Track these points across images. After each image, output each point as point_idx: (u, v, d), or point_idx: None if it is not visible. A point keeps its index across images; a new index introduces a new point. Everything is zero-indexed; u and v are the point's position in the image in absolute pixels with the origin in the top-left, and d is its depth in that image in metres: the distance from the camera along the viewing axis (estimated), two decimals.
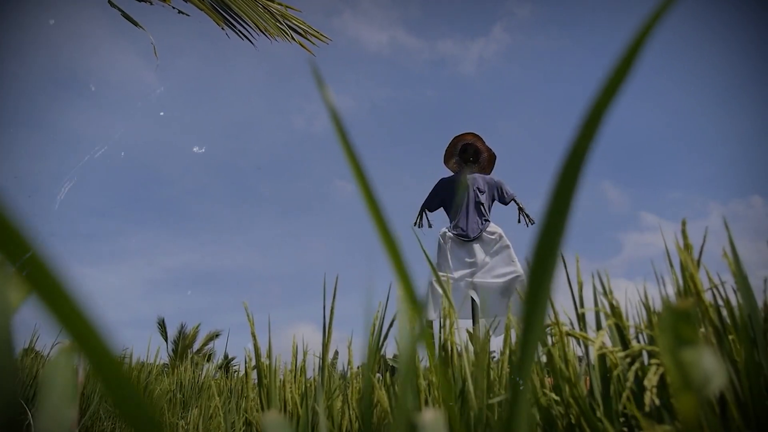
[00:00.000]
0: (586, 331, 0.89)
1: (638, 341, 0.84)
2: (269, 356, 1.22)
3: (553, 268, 0.20)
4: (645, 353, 0.80)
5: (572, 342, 0.86)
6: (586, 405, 0.69)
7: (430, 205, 3.79)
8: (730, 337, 0.76)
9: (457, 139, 3.73)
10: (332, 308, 1.24)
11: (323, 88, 0.23)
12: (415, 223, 3.80)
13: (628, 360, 0.74)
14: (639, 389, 0.73)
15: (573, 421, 0.75)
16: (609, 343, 0.86)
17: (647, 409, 0.62)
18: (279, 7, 2.63)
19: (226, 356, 8.06)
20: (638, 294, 0.91)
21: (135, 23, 2.07)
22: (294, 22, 2.68)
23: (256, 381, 1.26)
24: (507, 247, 3.38)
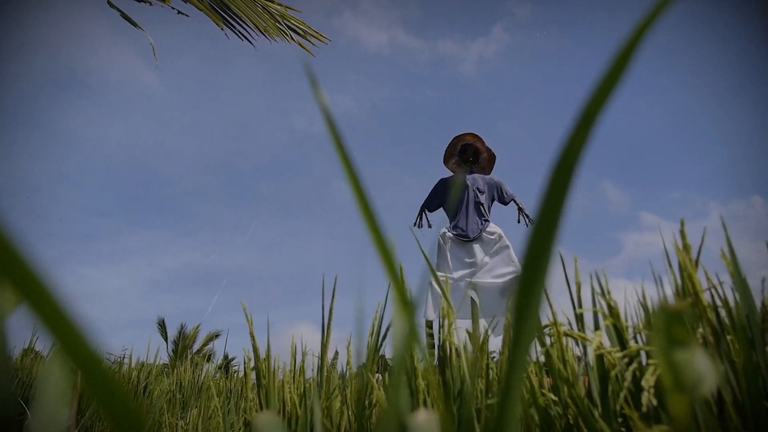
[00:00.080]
0: (584, 332, 0.89)
1: (636, 341, 0.84)
2: (268, 357, 1.22)
3: (545, 269, 0.20)
4: (643, 353, 0.80)
5: (571, 342, 0.86)
6: (584, 405, 0.69)
7: (429, 205, 3.79)
8: (729, 337, 0.76)
9: (456, 139, 3.73)
10: (331, 308, 1.24)
11: (317, 89, 0.23)
12: (415, 224, 3.81)
13: (626, 360, 0.74)
14: (637, 389, 0.73)
15: (571, 421, 0.75)
16: (608, 344, 0.86)
17: (645, 409, 0.62)
18: (278, 7, 2.63)
19: (225, 356, 8.06)
20: (636, 294, 0.91)
21: (134, 24, 2.07)
22: (293, 22, 2.68)
23: (255, 381, 1.27)
24: (507, 247, 3.39)
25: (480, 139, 3.73)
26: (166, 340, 12.02)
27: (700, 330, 0.77)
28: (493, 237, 3.45)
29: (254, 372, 1.30)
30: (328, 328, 1.27)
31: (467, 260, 3.39)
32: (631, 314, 0.94)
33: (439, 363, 1.06)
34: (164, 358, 11.61)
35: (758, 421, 0.67)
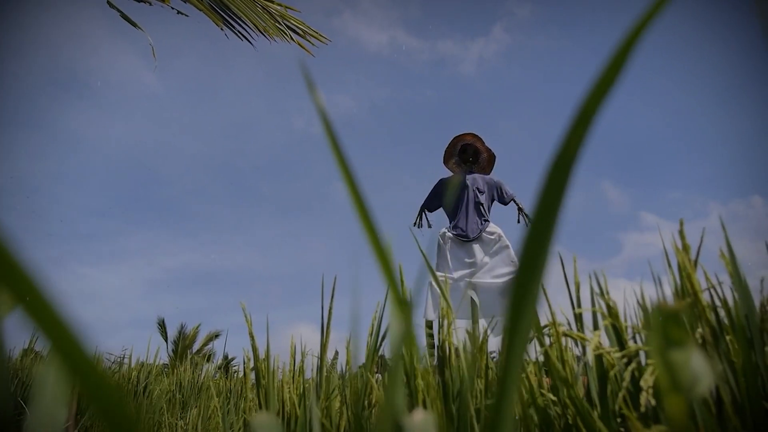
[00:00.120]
0: (583, 332, 0.89)
1: (635, 341, 0.84)
2: (267, 357, 1.22)
3: (541, 269, 0.20)
4: (642, 353, 0.80)
5: (570, 342, 0.87)
6: (582, 405, 0.69)
7: (429, 205, 3.79)
8: (728, 337, 0.76)
9: (456, 139, 3.74)
10: (330, 308, 1.24)
11: (313, 89, 0.23)
12: (415, 224, 3.81)
13: (625, 360, 0.74)
14: (635, 389, 0.73)
15: (570, 421, 0.75)
16: (607, 344, 0.86)
17: (643, 409, 0.62)
18: (278, 7, 2.63)
19: (225, 357, 8.06)
20: (634, 294, 0.91)
21: (134, 24, 2.07)
22: (293, 22, 2.68)
23: (255, 381, 1.27)
24: (506, 247, 3.39)
25: (480, 139, 3.73)
26: (166, 340, 12.02)
27: (699, 330, 0.77)
28: (492, 237, 3.45)
29: (254, 372, 1.30)
30: (328, 328, 1.27)
31: (467, 260, 3.39)
32: (630, 314, 0.94)
33: (438, 363, 1.06)
34: (164, 358, 11.62)
35: (757, 421, 0.67)
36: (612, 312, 0.79)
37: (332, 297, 1.26)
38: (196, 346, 12.33)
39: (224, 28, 2.43)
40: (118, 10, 2.04)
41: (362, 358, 1.15)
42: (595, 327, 0.87)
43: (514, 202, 3.71)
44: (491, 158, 3.79)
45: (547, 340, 0.84)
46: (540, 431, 0.82)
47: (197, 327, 12.28)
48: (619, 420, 0.78)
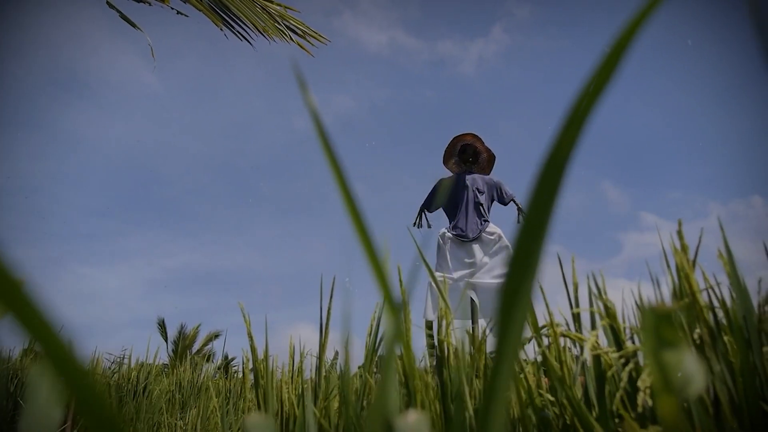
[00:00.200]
0: (581, 332, 0.89)
1: (633, 342, 0.84)
2: (266, 357, 1.22)
3: (532, 271, 0.20)
4: (640, 354, 0.80)
5: (570, 343, 0.87)
6: (579, 406, 0.69)
7: (429, 205, 3.79)
8: (726, 338, 0.76)
9: (456, 139, 3.74)
10: (329, 309, 1.24)
11: (305, 90, 0.23)
12: (415, 224, 3.81)
13: (623, 361, 0.74)
14: (633, 390, 0.73)
15: (568, 421, 0.75)
16: (605, 344, 0.86)
17: (640, 409, 0.62)
18: (278, 7, 2.63)
19: (225, 357, 8.06)
20: (632, 295, 0.91)
21: (133, 24, 2.07)
22: (292, 22, 2.68)
23: (254, 382, 1.27)
24: (506, 247, 3.39)
25: (479, 139, 3.73)
26: (166, 341, 12.03)
27: (697, 330, 0.77)
28: (492, 237, 3.45)
29: (252, 372, 1.30)
30: (327, 328, 1.27)
31: (467, 260, 3.40)
32: (628, 315, 0.94)
33: (436, 363, 1.06)
34: (164, 358, 11.62)
35: (754, 422, 0.67)
36: (609, 312, 0.80)
37: (331, 297, 1.26)
38: (196, 347, 12.34)
39: (224, 28, 2.43)
40: (118, 11, 2.04)
41: (361, 359, 1.15)
42: (594, 327, 0.87)
43: (514, 202, 3.71)
44: (491, 158, 3.79)
45: (545, 341, 0.84)
46: (538, 431, 0.82)
47: (197, 327, 12.29)
48: (617, 420, 0.78)
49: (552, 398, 0.79)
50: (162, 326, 11.94)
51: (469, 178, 3.65)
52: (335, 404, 1.24)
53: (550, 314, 0.85)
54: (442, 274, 3.30)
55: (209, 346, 12.43)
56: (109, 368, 3.15)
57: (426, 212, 3.82)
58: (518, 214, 3.71)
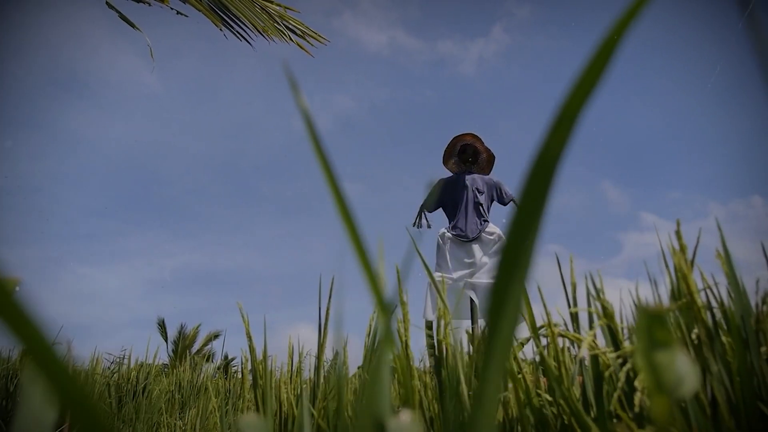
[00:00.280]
0: (579, 332, 0.89)
1: (631, 342, 0.84)
2: (265, 357, 1.22)
3: (523, 272, 0.20)
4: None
5: (569, 343, 0.86)
6: (575, 406, 0.69)
7: (428, 205, 3.79)
8: (724, 338, 0.76)
9: (456, 139, 3.74)
10: (328, 309, 1.24)
11: (297, 92, 0.23)
12: (414, 224, 3.81)
13: (620, 361, 0.74)
14: (631, 390, 0.73)
15: (566, 421, 0.75)
16: (604, 344, 0.86)
17: (637, 409, 0.62)
18: (277, 8, 2.63)
19: (225, 357, 8.06)
20: (630, 295, 0.91)
21: (132, 25, 2.07)
22: (292, 23, 2.68)
23: (252, 382, 1.27)
24: None
25: (479, 139, 3.73)
26: (166, 341, 12.03)
27: (695, 331, 0.77)
28: (492, 237, 3.45)
29: (251, 372, 1.30)
30: (326, 328, 1.27)
31: (466, 260, 3.40)
32: (626, 315, 0.94)
33: (435, 363, 1.06)
34: (164, 358, 11.62)
35: (752, 422, 0.67)
36: (607, 312, 0.80)
37: (330, 297, 1.26)
38: (196, 347, 12.34)
39: (223, 28, 2.43)
40: (117, 11, 2.04)
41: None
42: (592, 328, 0.87)
43: (514, 202, 3.71)
44: (491, 158, 3.79)
45: (543, 341, 0.84)
46: (536, 431, 0.82)
47: (197, 327, 12.29)
48: (615, 420, 0.78)
49: (550, 398, 0.79)
50: (162, 326, 11.94)
51: (468, 178, 3.65)
52: (335, 404, 1.24)
53: (548, 314, 0.85)
54: (441, 274, 3.30)
55: (209, 346, 12.43)
56: (109, 368, 3.15)
57: (426, 212, 3.82)
58: None
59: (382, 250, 0.39)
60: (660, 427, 0.22)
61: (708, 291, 0.83)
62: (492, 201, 3.70)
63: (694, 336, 0.77)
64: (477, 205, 3.55)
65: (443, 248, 3.48)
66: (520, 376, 0.81)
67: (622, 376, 0.68)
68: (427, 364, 1.15)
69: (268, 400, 1.07)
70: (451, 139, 3.76)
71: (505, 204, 3.72)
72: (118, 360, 3.24)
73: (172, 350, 11.96)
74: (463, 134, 3.74)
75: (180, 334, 12.05)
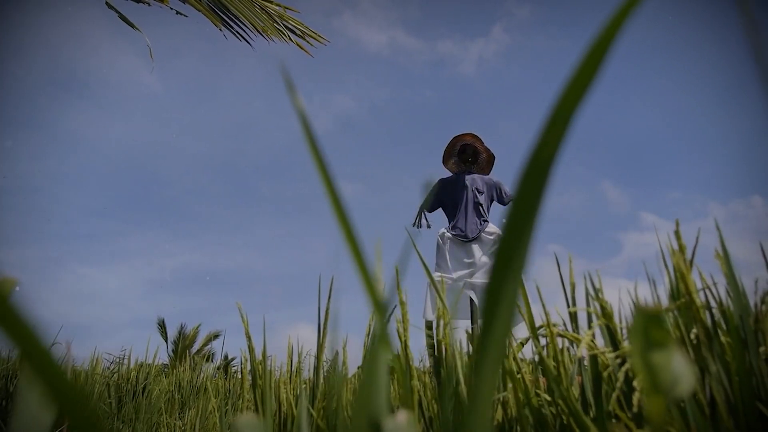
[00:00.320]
0: (578, 332, 0.89)
1: (630, 342, 0.84)
2: (264, 357, 1.22)
3: (517, 272, 0.20)
4: None
5: (568, 343, 0.87)
6: (573, 405, 0.69)
7: (428, 205, 3.79)
8: (722, 338, 0.76)
9: (456, 139, 3.74)
10: (327, 309, 1.24)
11: (293, 92, 0.23)
12: (414, 224, 3.81)
13: (619, 361, 0.74)
14: (629, 389, 0.73)
15: (564, 421, 0.75)
16: (602, 344, 0.86)
17: (636, 409, 0.62)
18: (277, 8, 2.63)
19: (225, 357, 8.06)
20: (629, 295, 0.91)
21: (131, 25, 2.07)
22: (292, 23, 2.68)
23: (251, 382, 1.27)
24: None
25: (479, 139, 3.73)
26: (166, 341, 12.03)
27: (694, 331, 0.77)
28: (492, 237, 3.45)
29: (251, 372, 1.30)
30: (325, 328, 1.27)
31: (466, 260, 3.40)
32: (625, 315, 0.94)
33: (434, 363, 1.06)
34: (164, 358, 11.62)
35: (750, 422, 0.67)
36: (606, 312, 0.80)
37: (329, 297, 1.26)
38: (196, 347, 12.34)
39: (223, 28, 2.44)
40: (116, 11, 2.05)
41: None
42: (591, 328, 0.87)
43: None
44: (490, 158, 3.79)
45: (542, 341, 0.84)
46: (535, 431, 0.82)
47: (197, 327, 12.29)
48: (614, 420, 0.78)
49: (549, 398, 0.79)
50: (162, 326, 11.94)
51: (468, 178, 3.65)
52: (334, 404, 1.24)
53: (547, 314, 0.85)
54: (441, 275, 3.30)
55: (209, 346, 12.43)
56: (109, 368, 3.16)
57: (425, 212, 3.82)
58: None
59: (379, 250, 0.39)
60: (656, 427, 0.22)
61: (707, 291, 0.83)
62: (492, 201, 3.70)
63: (692, 336, 0.77)
64: (477, 205, 3.55)
65: (443, 248, 3.48)
66: (519, 376, 0.81)
67: (620, 376, 0.68)
68: (427, 364, 1.15)
69: (267, 400, 1.07)
70: (450, 139, 3.76)
71: (504, 204, 3.72)
72: (117, 360, 3.24)
73: (172, 350, 11.96)
74: (462, 134, 3.74)
75: (180, 334, 12.04)
